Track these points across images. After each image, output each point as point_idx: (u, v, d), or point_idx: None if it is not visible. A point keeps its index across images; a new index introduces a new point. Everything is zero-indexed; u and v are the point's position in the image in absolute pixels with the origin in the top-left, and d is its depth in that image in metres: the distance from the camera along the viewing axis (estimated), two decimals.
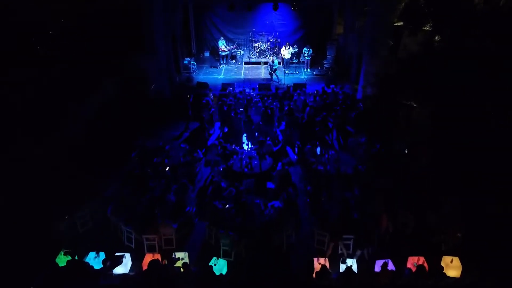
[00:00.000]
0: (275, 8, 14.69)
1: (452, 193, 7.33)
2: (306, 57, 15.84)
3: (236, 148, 9.83)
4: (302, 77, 15.52)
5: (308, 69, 16.10)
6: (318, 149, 9.65)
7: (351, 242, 6.77)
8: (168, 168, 8.91)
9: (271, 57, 15.86)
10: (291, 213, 7.49)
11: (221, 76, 15.71)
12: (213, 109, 11.86)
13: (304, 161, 9.00)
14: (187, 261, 6.12)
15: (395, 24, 11.28)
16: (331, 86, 12.86)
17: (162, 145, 9.96)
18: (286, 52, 15.84)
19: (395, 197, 7.40)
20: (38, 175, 7.61)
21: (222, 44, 16.56)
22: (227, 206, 7.41)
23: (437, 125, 8.76)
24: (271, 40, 17.04)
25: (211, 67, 16.65)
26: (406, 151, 9.35)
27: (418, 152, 8.84)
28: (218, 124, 12.01)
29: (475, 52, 7.84)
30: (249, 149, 9.75)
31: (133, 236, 7.09)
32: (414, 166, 8.48)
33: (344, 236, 6.73)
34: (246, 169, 9.08)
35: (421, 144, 8.91)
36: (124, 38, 11.82)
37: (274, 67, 14.51)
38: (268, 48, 16.92)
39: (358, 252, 6.69)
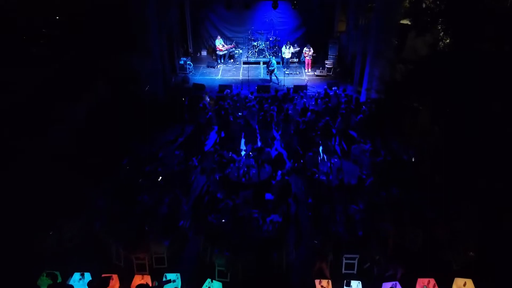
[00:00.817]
0: (275, 6, 14.24)
1: (464, 207, 6.93)
2: (307, 57, 15.37)
3: (234, 155, 9.42)
4: (303, 78, 15.07)
5: (309, 69, 15.65)
6: (320, 157, 9.26)
7: (355, 262, 6.39)
8: (161, 177, 8.51)
9: (270, 56, 15.42)
10: (291, 228, 7.11)
11: (219, 77, 15.28)
12: (210, 113, 11.44)
13: (305, 170, 8.59)
14: (179, 286, 5.73)
15: (402, 22, 10.81)
16: (333, 88, 12.42)
17: (155, 151, 9.56)
18: (286, 51, 15.40)
19: (402, 211, 7.01)
20: (21, 183, 7.22)
21: (219, 43, 16.12)
22: (223, 220, 7.04)
23: (448, 131, 8.32)
24: (270, 39, 16.59)
25: (208, 67, 16.21)
26: (413, 159, 8.93)
27: (427, 161, 8.42)
28: (215, 127, 11.59)
29: (489, 55, 7.41)
30: (247, 157, 9.34)
31: (122, 254, 6.71)
32: (423, 176, 8.07)
33: (348, 256, 6.35)
34: (243, 179, 8.68)
35: (430, 152, 8.49)
36: (114, 37, 11.37)
37: (270, 68, 14.08)
38: (267, 47, 16.47)
39: (364, 272, 6.32)
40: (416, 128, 9.48)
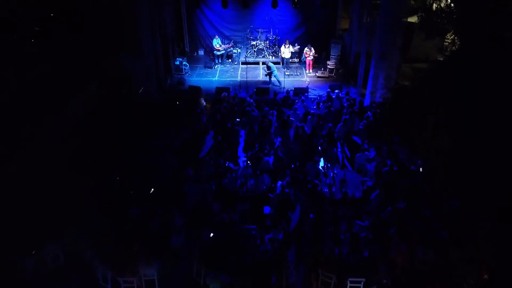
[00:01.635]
0: (274, 6, 13.79)
1: (479, 224, 6.52)
2: (308, 58, 14.89)
3: (230, 165, 9.00)
4: (304, 79, 14.61)
5: (310, 70, 15.18)
6: (321, 166, 8.84)
7: (361, 286, 5.99)
8: (153, 189, 8.10)
9: (270, 56, 14.95)
10: (292, 246, 6.70)
11: (216, 78, 14.82)
12: (205, 118, 11.00)
13: (306, 182, 8.15)
14: None
15: (408, 20, 10.29)
16: (335, 91, 11.97)
17: (147, 159, 9.14)
18: (286, 51, 14.92)
19: (411, 229, 6.60)
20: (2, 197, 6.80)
21: (216, 43, 15.66)
22: (218, 238, 6.64)
23: (460, 140, 7.88)
24: (270, 37, 16.11)
25: (205, 67, 15.74)
26: (421, 170, 8.50)
27: (438, 172, 8.00)
28: (211, 132, 11.15)
29: (506, 58, 6.97)
30: (244, 166, 8.92)
31: (109, 276, 6.30)
32: (434, 190, 7.65)
33: (353, 279, 5.95)
34: (240, 191, 8.26)
35: (440, 163, 8.06)
36: (105, 36, 10.89)
37: (268, 71, 13.65)
38: (266, 47, 15.99)
39: None
40: (425, 136, 9.05)
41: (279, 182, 8.25)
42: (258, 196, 8.14)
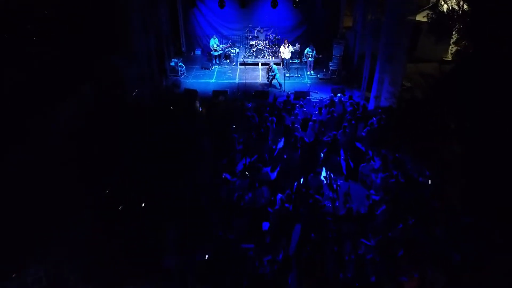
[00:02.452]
0: (274, 6, 13.32)
1: (495, 245, 6.10)
2: (309, 58, 14.41)
3: (227, 175, 8.56)
4: (305, 81, 14.15)
5: (312, 72, 14.71)
6: (323, 177, 8.42)
7: None
8: (143, 203, 7.68)
9: (269, 57, 14.48)
10: (292, 269, 6.28)
11: (213, 80, 14.36)
12: (201, 124, 10.56)
13: (307, 196, 7.72)
14: None
15: (415, 19, 9.76)
16: (338, 95, 11.51)
17: (141, 169, 8.71)
18: (286, 51, 14.45)
19: (421, 251, 6.18)
20: None
21: (214, 43, 15.19)
22: (213, 259, 6.24)
23: (473, 149, 7.42)
24: (270, 37, 15.63)
25: (202, 68, 15.27)
26: (429, 182, 8.07)
27: (448, 184, 7.57)
28: (207, 138, 10.71)
29: None
30: (242, 178, 8.49)
31: None
32: (443, 204, 7.22)
33: None
34: (238, 205, 7.83)
35: (452, 173, 7.61)
36: (95, 36, 10.41)
37: (271, 73, 13.19)
38: (266, 47, 15.51)
39: None
40: (434, 145, 8.60)
41: (279, 195, 7.85)
42: (256, 210, 7.71)
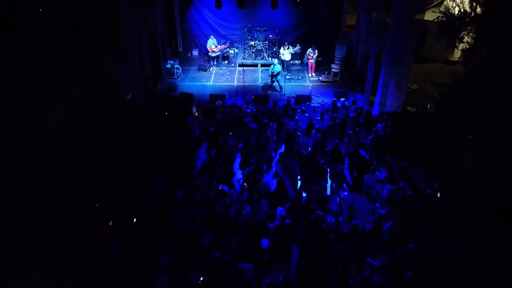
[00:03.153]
0: (274, 7, 12.90)
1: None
2: (311, 60, 13.99)
3: (224, 187, 8.17)
4: (306, 84, 13.73)
5: (313, 74, 14.29)
6: (327, 185, 8.06)
7: None
8: (135, 219, 7.30)
9: (273, 60, 14.01)
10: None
11: (211, 82, 13.95)
12: (198, 131, 10.16)
13: (308, 210, 7.32)
14: None
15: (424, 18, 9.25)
16: (341, 99, 11.11)
17: (132, 181, 8.34)
18: (286, 52, 14.03)
19: (430, 272, 5.81)
20: None
21: (212, 43, 14.77)
22: (208, 281, 5.88)
23: (488, 158, 7.01)
24: (270, 37, 15.20)
25: (199, 70, 14.86)
26: (438, 195, 7.68)
27: (459, 197, 7.18)
28: (205, 144, 10.31)
29: None
30: (240, 190, 8.13)
31: None
32: (454, 219, 6.84)
33: None
34: (235, 219, 7.46)
35: (463, 185, 7.21)
36: (85, 37, 9.98)
37: (273, 71, 12.72)
38: (266, 47, 15.09)
39: None
40: (444, 154, 8.19)
41: (279, 209, 7.47)
42: (255, 226, 7.33)
